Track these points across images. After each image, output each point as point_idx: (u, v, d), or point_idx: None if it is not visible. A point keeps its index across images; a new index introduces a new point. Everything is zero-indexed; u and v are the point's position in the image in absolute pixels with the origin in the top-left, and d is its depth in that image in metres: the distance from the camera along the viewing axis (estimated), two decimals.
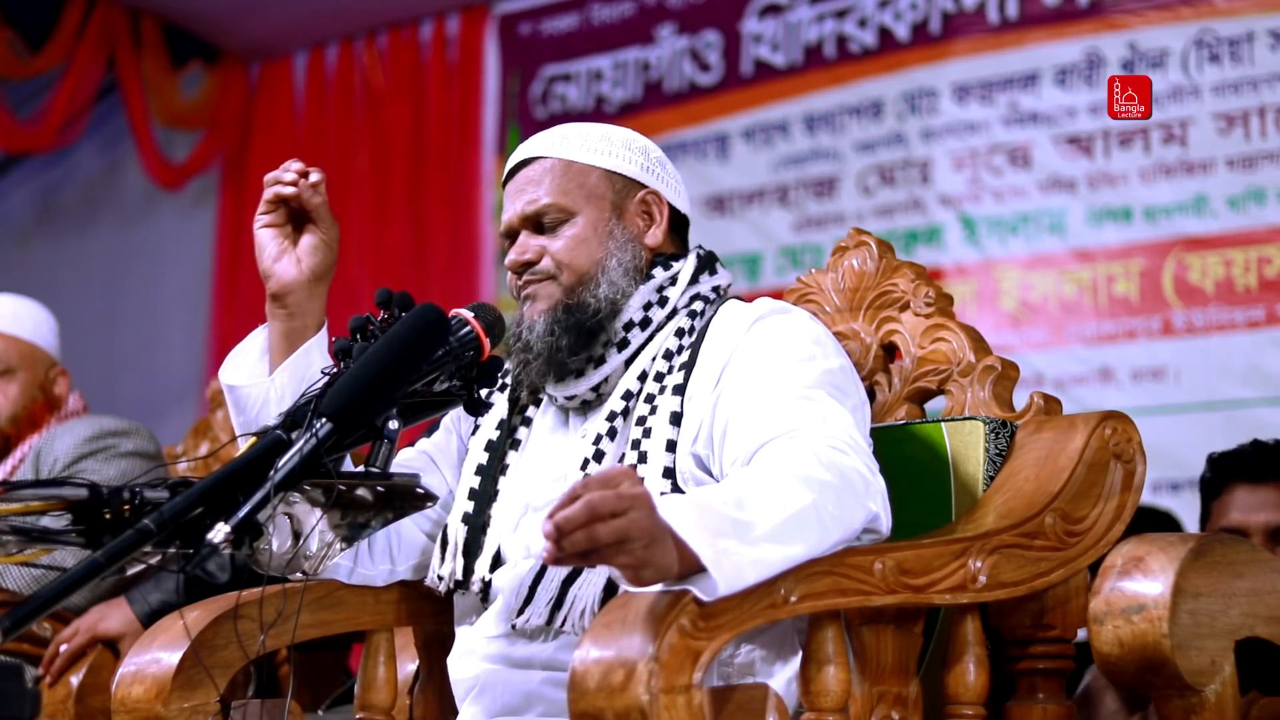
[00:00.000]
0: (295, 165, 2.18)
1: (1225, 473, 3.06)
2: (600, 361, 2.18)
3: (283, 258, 2.18)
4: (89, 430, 3.54)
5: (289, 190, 2.16)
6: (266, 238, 2.19)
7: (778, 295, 2.34)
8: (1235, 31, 4.74)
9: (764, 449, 1.95)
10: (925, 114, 5.30)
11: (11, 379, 3.58)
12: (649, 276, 2.21)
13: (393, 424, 1.88)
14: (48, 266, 6.97)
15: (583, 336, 2.16)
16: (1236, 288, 4.67)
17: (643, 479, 1.99)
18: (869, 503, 1.89)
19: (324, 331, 2.20)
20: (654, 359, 2.17)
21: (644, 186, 2.24)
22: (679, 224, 2.29)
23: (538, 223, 2.22)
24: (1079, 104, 5.01)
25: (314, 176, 2.17)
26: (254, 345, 2.22)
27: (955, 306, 2.37)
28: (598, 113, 5.91)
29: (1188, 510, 4.62)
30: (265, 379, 2.17)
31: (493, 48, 6.30)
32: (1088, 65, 5.01)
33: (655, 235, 2.23)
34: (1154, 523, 3.96)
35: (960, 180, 5.22)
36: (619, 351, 2.18)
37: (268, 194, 2.18)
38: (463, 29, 6.35)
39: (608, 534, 1.63)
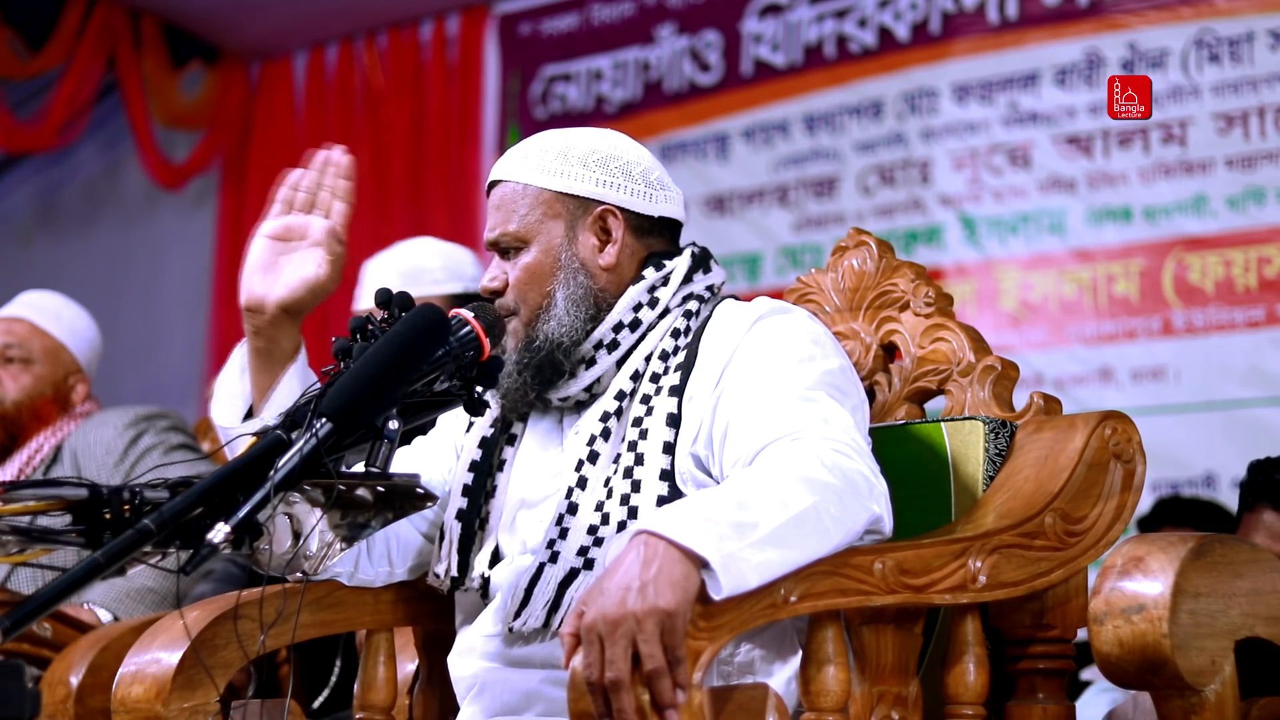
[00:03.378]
0: (307, 177, 2.17)
1: (1257, 491, 2.97)
2: (590, 363, 2.17)
3: (258, 273, 2.12)
4: (125, 416, 3.55)
5: (300, 195, 2.15)
6: (258, 247, 2.13)
7: (777, 295, 2.34)
8: (1235, 31, 4.74)
9: (766, 450, 1.95)
10: (925, 114, 5.30)
11: (27, 369, 3.61)
12: (639, 278, 2.20)
13: (393, 424, 1.88)
14: (48, 266, 6.96)
15: (545, 370, 2.16)
16: (1236, 288, 4.67)
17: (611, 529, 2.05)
18: (871, 505, 1.89)
19: (302, 358, 2.15)
20: (647, 359, 2.16)
21: (600, 203, 2.21)
22: (655, 226, 2.24)
23: (502, 249, 2.22)
24: (1079, 104, 5.01)
25: (339, 157, 2.16)
26: (234, 366, 2.19)
27: (955, 306, 2.36)
28: (597, 113, 5.91)
29: None
30: (257, 423, 2.13)
31: (493, 48, 6.30)
32: (1088, 65, 5.00)
33: (609, 255, 2.20)
34: (1212, 519, 3.94)
35: (960, 180, 5.22)
36: (609, 353, 2.17)
37: (277, 206, 2.16)
38: (463, 29, 6.35)
39: (645, 651, 1.66)
